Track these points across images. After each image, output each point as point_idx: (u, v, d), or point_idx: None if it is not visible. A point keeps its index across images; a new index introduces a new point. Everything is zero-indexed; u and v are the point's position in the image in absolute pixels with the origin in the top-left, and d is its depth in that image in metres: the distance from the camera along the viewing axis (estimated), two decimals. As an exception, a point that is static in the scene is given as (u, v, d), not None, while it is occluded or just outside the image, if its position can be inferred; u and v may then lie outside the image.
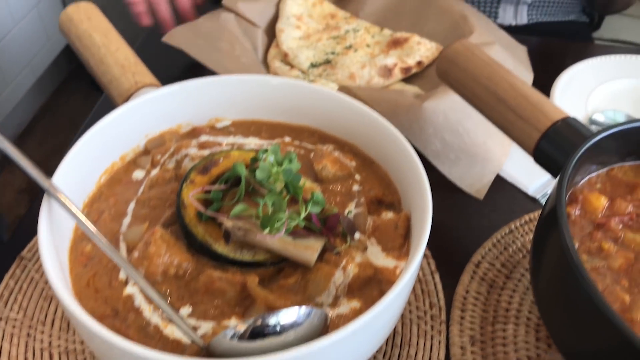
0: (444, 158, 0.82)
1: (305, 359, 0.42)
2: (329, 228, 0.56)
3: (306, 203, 0.55)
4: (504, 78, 0.69)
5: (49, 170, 0.55)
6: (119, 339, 0.42)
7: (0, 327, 0.61)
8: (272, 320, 0.45)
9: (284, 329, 0.45)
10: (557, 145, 0.63)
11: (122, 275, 0.53)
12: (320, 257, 0.54)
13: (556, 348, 0.63)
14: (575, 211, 0.60)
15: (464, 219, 0.78)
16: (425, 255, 0.72)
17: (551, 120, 0.64)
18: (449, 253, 0.73)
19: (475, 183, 0.81)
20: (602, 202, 0.61)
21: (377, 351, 0.62)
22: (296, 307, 0.46)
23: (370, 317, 0.44)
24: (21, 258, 0.68)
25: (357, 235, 0.57)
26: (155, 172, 0.62)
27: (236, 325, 0.45)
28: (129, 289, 0.52)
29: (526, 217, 0.77)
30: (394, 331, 0.64)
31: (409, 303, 0.67)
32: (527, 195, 0.82)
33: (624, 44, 2.33)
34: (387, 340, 0.63)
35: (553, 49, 1.15)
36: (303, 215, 0.54)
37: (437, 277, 0.70)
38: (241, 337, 0.44)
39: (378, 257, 0.55)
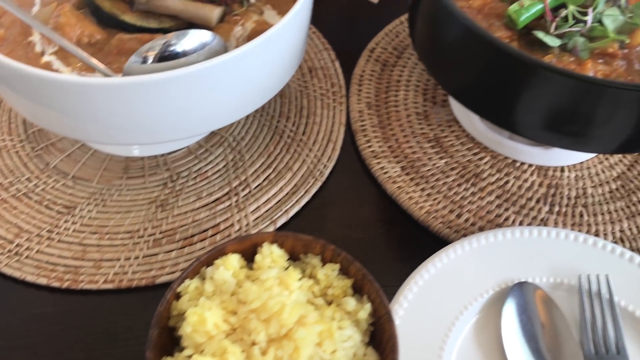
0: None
1: (205, 72, 0.49)
2: (226, -3, 0.62)
3: (204, -24, 0.61)
4: None
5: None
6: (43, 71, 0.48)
7: None
8: (177, 46, 0.51)
9: (189, 52, 0.51)
10: None
11: (37, 49, 0.57)
12: (222, 20, 0.60)
13: (439, 103, 0.74)
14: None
15: (361, 16, 0.86)
16: (326, 48, 0.80)
17: None
18: (348, 43, 0.81)
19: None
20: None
21: (286, 121, 0.71)
22: (197, 31, 0.53)
23: (261, 40, 0.52)
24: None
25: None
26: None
27: (147, 49, 0.52)
28: (46, 58, 0.56)
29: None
30: (301, 106, 0.73)
31: (312, 84, 0.75)
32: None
33: None
34: (295, 113, 0.72)
35: None
36: (202, -15, 0.60)
37: (337, 64, 0.78)
38: (152, 61, 0.51)
39: (274, 18, 0.62)
